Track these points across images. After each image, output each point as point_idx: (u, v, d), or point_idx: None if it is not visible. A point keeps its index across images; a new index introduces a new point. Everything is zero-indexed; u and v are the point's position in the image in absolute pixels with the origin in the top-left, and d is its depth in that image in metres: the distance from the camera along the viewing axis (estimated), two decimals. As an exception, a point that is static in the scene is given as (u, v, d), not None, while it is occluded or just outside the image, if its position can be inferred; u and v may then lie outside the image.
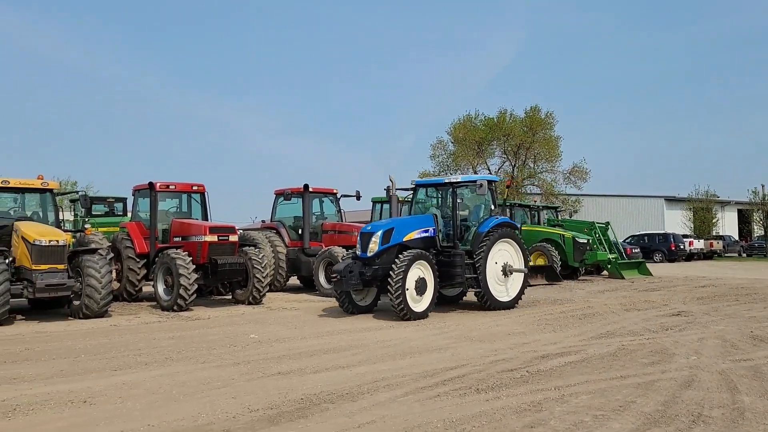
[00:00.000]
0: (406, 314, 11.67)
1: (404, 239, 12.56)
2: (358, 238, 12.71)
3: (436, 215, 13.31)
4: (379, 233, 12.36)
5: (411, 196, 14.51)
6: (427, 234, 12.87)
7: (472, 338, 9.81)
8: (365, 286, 12.66)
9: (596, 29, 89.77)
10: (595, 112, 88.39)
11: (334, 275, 12.21)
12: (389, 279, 11.69)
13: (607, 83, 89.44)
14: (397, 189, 13.96)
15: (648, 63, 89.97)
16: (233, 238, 14.51)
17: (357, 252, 12.61)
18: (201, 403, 6.02)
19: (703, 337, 9.69)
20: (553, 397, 6.16)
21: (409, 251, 12.07)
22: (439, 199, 14.22)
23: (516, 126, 46.40)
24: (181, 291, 13.09)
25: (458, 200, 13.37)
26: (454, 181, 13.51)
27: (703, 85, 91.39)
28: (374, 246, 12.29)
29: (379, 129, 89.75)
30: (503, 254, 13.34)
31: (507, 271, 13.34)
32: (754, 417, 5.50)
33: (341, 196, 18.91)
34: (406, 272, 11.66)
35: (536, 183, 47.27)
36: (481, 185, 12.75)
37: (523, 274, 13.64)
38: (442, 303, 13.48)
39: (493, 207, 13.61)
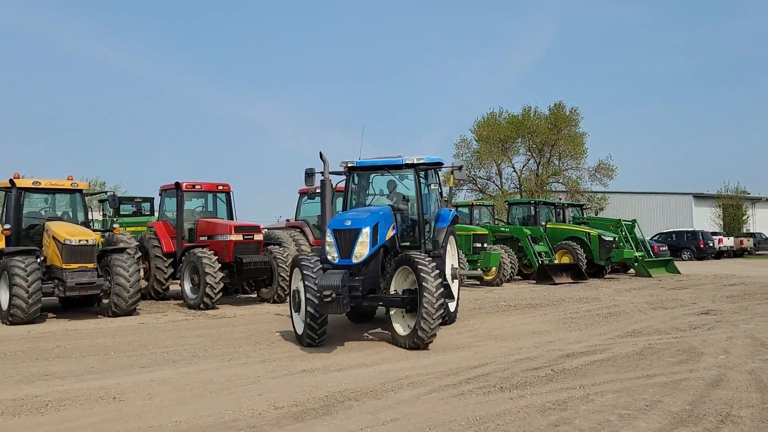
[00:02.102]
0: (430, 342, 8.71)
1: (386, 238, 9.50)
2: (331, 236, 9.10)
3: (392, 207, 10.33)
4: (368, 230, 8.95)
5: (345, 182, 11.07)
6: (394, 231, 9.90)
7: (496, 337, 9.78)
8: None
9: (625, 24, 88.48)
10: (623, 107, 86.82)
11: (327, 293, 8.13)
12: (425, 297, 8.35)
13: (634, 79, 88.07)
14: (330, 173, 10.56)
15: (678, 58, 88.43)
16: (258, 237, 14.68)
17: (331, 257, 9.05)
18: (227, 400, 6.11)
19: (732, 336, 9.53)
20: (578, 396, 6.12)
21: (424, 254, 9.43)
22: (393, 186, 11.15)
23: (540, 123, 46.10)
24: (208, 289, 13.28)
25: (426, 186, 10.62)
26: (418, 162, 10.37)
27: (733, 81, 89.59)
28: (363, 249, 8.90)
29: (406, 127, 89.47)
30: (450, 255, 11.17)
31: (454, 275, 11.14)
32: (784, 417, 5.40)
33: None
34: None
35: (561, 180, 46.91)
36: (461, 167, 10.57)
37: (457, 279, 11.28)
38: (360, 320, 11.21)
39: (442, 197, 11.38)
